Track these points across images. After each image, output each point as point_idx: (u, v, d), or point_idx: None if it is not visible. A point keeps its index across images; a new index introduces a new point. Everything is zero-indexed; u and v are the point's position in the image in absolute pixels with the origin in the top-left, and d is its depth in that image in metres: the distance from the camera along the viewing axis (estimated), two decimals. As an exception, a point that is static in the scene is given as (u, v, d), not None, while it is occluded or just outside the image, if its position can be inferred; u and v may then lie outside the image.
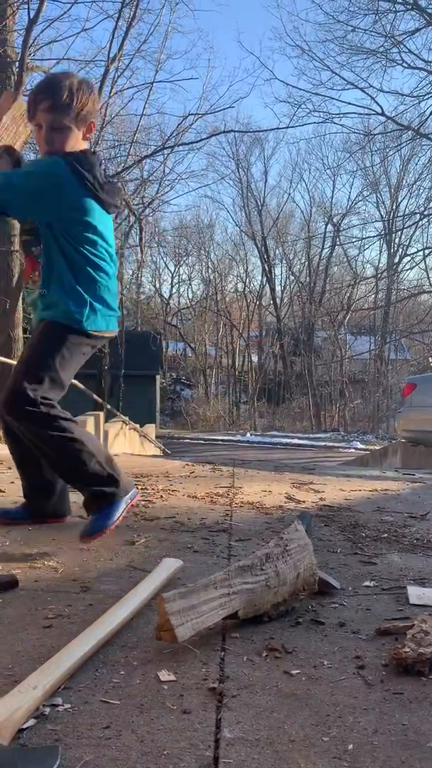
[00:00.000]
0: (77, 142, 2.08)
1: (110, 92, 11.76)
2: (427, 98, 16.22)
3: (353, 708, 1.14)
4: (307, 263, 36.99)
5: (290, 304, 38.42)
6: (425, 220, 24.39)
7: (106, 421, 10.11)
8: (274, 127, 25.28)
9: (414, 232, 29.95)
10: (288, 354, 36.55)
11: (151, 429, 16.24)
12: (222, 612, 1.38)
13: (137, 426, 12.80)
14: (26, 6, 9.48)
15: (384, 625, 1.49)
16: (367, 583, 1.85)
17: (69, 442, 2.03)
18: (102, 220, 2.08)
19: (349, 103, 24.54)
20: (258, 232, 36.01)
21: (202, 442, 22.83)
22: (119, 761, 0.95)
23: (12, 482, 3.05)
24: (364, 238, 27.30)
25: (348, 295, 33.89)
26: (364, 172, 30.56)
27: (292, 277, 38.27)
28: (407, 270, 33.34)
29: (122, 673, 1.23)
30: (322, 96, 17.76)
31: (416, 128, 17.23)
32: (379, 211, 33.81)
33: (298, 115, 17.75)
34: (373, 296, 35.28)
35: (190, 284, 41.75)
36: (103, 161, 2.15)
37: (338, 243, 33.28)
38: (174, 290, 40.97)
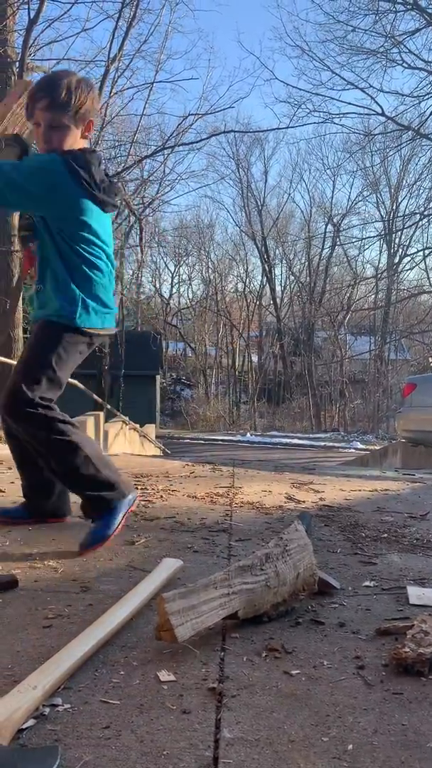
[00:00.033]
0: (76, 141, 2.08)
1: (110, 92, 11.76)
2: (428, 98, 16.23)
3: (353, 708, 1.14)
4: (307, 263, 36.99)
5: (290, 304, 38.42)
6: (425, 220, 24.38)
7: (106, 421, 10.11)
8: (274, 128, 25.32)
9: (414, 232, 29.97)
10: (288, 354, 36.55)
11: (151, 429, 16.24)
12: (222, 612, 1.38)
13: (137, 426, 12.80)
14: (26, 6, 9.49)
15: (384, 626, 1.49)
16: (367, 583, 1.85)
17: (66, 446, 2.03)
18: (99, 219, 2.08)
19: (349, 104, 24.55)
20: (258, 232, 36.01)
21: (202, 442, 22.83)
22: (119, 761, 0.95)
23: (12, 482, 3.05)
24: (364, 239, 27.35)
25: (348, 295, 33.89)
26: (364, 173, 30.58)
27: (292, 277, 38.28)
28: (407, 270, 33.36)
29: (122, 673, 1.23)
30: (322, 96, 17.76)
31: (416, 128, 17.23)
32: (379, 211, 33.83)
33: (298, 115, 17.75)
34: (373, 296, 35.30)
35: (190, 284, 41.78)
36: (103, 160, 2.14)
37: (338, 243, 33.29)
38: (174, 290, 41.00)
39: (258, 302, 37.94)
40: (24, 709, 1.03)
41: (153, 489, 3.22)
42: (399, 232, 29.50)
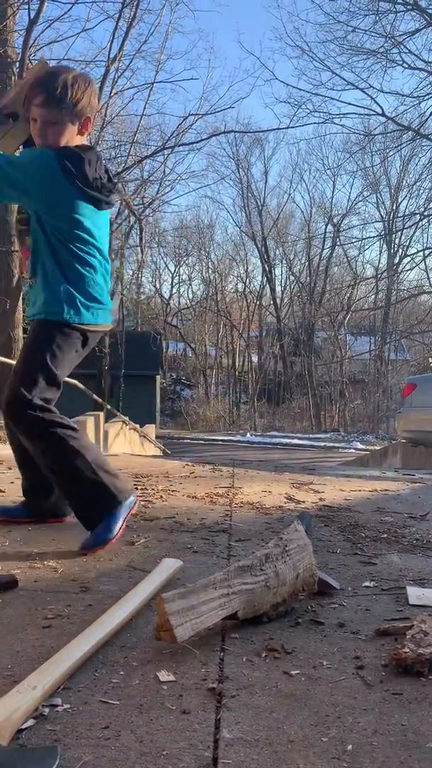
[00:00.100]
0: (72, 137, 2.06)
1: (110, 92, 11.77)
2: (428, 99, 16.24)
3: (352, 708, 1.14)
4: (307, 263, 37.01)
5: (290, 304, 38.43)
6: (425, 220, 24.39)
7: (106, 421, 10.11)
8: (275, 128, 25.30)
9: (414, 232, 29.98)
10: (288, 354, 36.55)
11: (151, 429, 16.24)
12: (221, 612, 1.38)
13: (137, 426, 12.79)
14: (26, 6, 9.49)
15: (383, 626, 1.49)
16: (366, 584, 1.85)
17: (64, 449, 2.03)
18: (92, 217, 2.07)
19: (350, 104, 24.64)
20: (258, 232, 36.03)
21: (202, 442, 22.83)
22: (118, 761, 0.95)
23: (12, 482, 3.05)
24: (364, 239, 27.36)
25: (348, 295, 33.90)
26: (364, 173, 30.61)
27: (292, 278, 38.30)
28: (407, 270, 33.35)
29: (121, 673, 1.23)
30: (323, 96, 17.79)
31: (416, 129, 17.24)
32: (379, 211, 33.85)
33: (298, 115, 17.78)
34: (373, 297, 35.31)
35: (190, 284, 41.80)
36: (101, 157, 2.12)
37: (338, 243, 33.30)
38: (174, 290, 41.01)
39: (258, 302, 37.95)
40: (23, 710, 1.03)
41: (153, 489, 3.22)
42: (399, 233, 29.54)
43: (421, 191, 30.05)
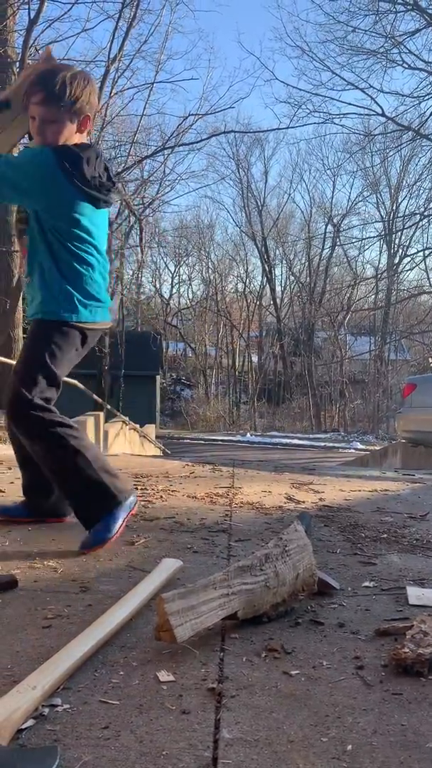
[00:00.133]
0: (71, 135, 2.06)
1: (110, 93, 11.77)
2: (428, 99, 16.25)
3: (352, 708, 1.14)
4: (307, 264, 37.02)
5: (290, 304, 38.44)
6: (425, 220, 24.40)
7: (106, 421, 10.11)
8: (275, 128, 25.32)
9: (414, 232, 30.01)
10: (288, 354, 36.56)
11: (151, 429, 16.24)
12: (221, 612, 1.38)
13: (137, 426, 12.80)
14: (27, 6, 9.51)
15: (383, 626, 1.49)
16: (366, 584, 1.85)
17: (64, 450, 2.03)
18: (90, 215, 2.07)
19: (350, 104, 24.66)
20: (258, 232, 36.04)
21: (202, 442, 22.83)
22: (118, 761, 0.95)
23: (12, 482, 3.05)
24: (364, 239, 27.34)
25: (348, 295, 33.92)
26: (364, 173, 30.64)
27: (292, 278, 38.32)
28: (407, 270, 33.38)
29: (121, 673, 1.23)
30: (323, 96, 17.82)
31: (416, 129, 17.25)
32: (379, 211, 33.87)
33: (298, 115, 17.80)
34: (373, 297, 35.33)
35: (190, 284, 41.82)
36: (101, 154, 2.12)
37: (338, 243, 33.32)
38: (174, 290, 41.03)
39: (258, 302, 37.96)
40: (23, 710, 1.03)
41: (153, 489, 3.22)
42: (399, 233, 29.55)
43: (421, 191, 30.10)
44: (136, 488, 3.21)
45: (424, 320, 26.18)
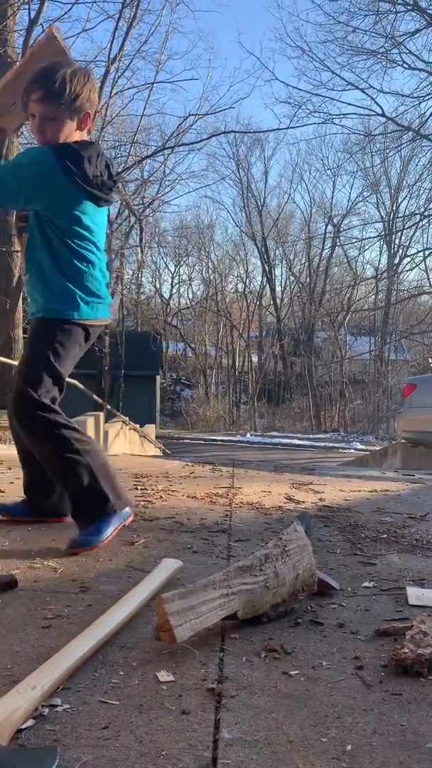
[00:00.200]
0: (71, 133, 2.05)
1: (111, 93, 11.78)
2: (428, 99, 16.26)
3: (352, 709, 1.14)
4: (307, 264, 37.03)
5: (290, 304, 38.45)
6: (425, 221, 24.40)
7: (106, 421, 10.11)
8: (275, 128, 25.31)
9: (414, 232, 30.02)
10: (288, 354, 36.56)
11: (151, 429, 16.24)
12: (221, 612, 1.38)
13: (137, 426, 12.80)
14: (27, 6, 9.51)
15: (383, 626, 1.49)
16: (366, 584, 1.85)
17: (69, 451, 2.03)
18: (91, 213, 2.07)
19: (350, 104, 24.68)
20: (258, 232, 36.05)
21: (202, 442, 22.83)
22: (118, 762, 0.95)
23: (12, 482, 3.05)
24: (364, 239, 27.38)
25: (348, 295, 33.93)
26: (364, 173, 30.67)
27: (292, 278, 38.33)
28: (407, 271, 33.41)
29: (121, 673, 1.23)
30: (323, 97, 17.85)
31: (416, 129, 17.25)
32: (379, 211, 33.88)
33: (298, 115, 17.82)
34: (373, 297, 35.34)
35: (190, 284, 41.82)
36: (102, 152, 2.11)
37: (338, 244, 33.34)
38: (174, 290, 41.03)
39: (258, 303, 37.96)
40: (23, 710, 1.03)
41: (153, 489, 3.22)
42: (399, 233, 29.56)
43: (421, 191, 30.13)
44: (136, 488, 3.21)
45: (424, 320, 26.17)
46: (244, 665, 1.29)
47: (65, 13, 10.22)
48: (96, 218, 2.10)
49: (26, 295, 2.23)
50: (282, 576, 1.53)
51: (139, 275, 28.46)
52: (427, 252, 27.17)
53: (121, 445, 10.67)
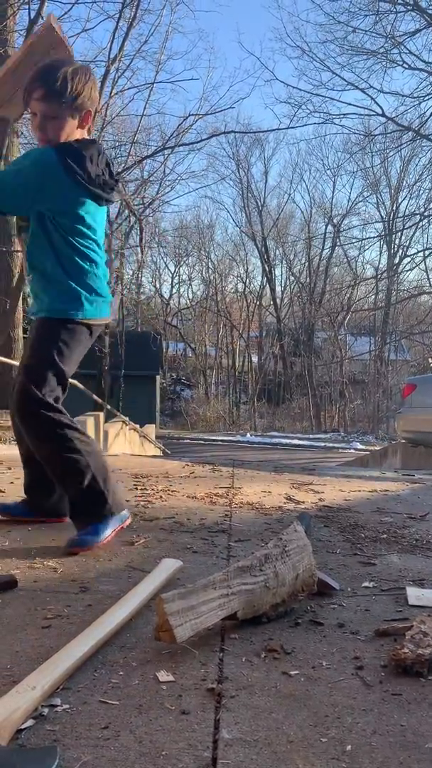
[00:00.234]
0: (72, 131, 2.05)
1: (111, 93, 11.78)
2: (428, 99, 16.27)
3: (352, 709, 1.14)
4: (307, 264, 37.04)
5: (290, 304, 38.45)
6: (425, 221, 24.41)
7: (106, 421, 10.11)
8: (275, 128, 25.30)
9: (414, 233, 30.04)
10: (288, 354, 36.56)
11: (151, 429, 16.24)
12: (221, 613, 1.38)
13: (137, 426, 12.80)
14: (26, 6, 9.50)
15: (383, 626, 1.49)
16: (366, 584, 1.85)
17: (70, 451, 2.03)
18: (93, 212, 2.08)
19: (350, 104, 24.69)
20: (258, 232, 36.06)
21: (202, 442, 22.84)
22: (117, 762, 0.95)
23: (12, 482, 3.05)
24: (365, 239, 27.39)
25: (348, 295, 33.94)
26: (364, 173, 30.70)
27: (292, 278, 38.33)
28: (407, 271, 33.39)
29: (121, 673, 1.23)
30: (323, 97, 17.86)
31: (416, 129, 17.25)
32: (380, 211, 33.89)
33: (298, 115, 17.82)
34: (373, 297, 35.35)
35: (190, 284, 41.83)
36: (102, 150, 2.11)
37: (338, 244, 33.35)
38: (174, 290, 41.04)
39: (258, 303, 37.97)
40: (23, 710, 1.03)
41: (153, 489, 3.22)
42: (399, 233, 29.56)
43: (421, 191, 30.14)
44: (136, 488, 3.21)
45: (424, 320, 26.19)
46: (244, 665, 1.29)
47: (65, 13, 10.22)
48: (97, 217, 2.11)
49: (29, 294, 2.22)
50: (282, 576, 1.53)
51: (139, 275, 28.48)
52: (427, 252, 27.20)
53: (121, 445, 10.67)
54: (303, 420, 33.50)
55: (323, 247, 35.64)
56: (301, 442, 23.59)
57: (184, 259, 40.04)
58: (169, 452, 14.74)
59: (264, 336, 38.55)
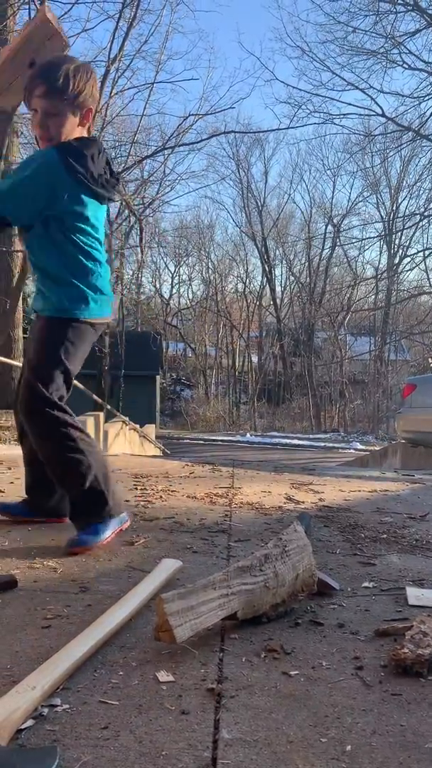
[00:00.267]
0: (73, 129, 2.05)
1: (111, 93, 11.77)
2: (428, 99, 16.27)
3: (352, 709, 1.14)
4: (307, 264, 37.04)
5: (290, 304, 38.46)
6: (425, 221, 24.41)
7: (106, 421, 10.11)
8: (275, 128, 25.31)
9: (414, 233, 30.04)
10: (288, 354, 36.57)
11: (151, 429, 16.24)
12: (221, 613, 1.38)
13: (137, 426, 12.80)
14: (27, 6, 9.50)
15: (383, 626, 1.49)
16: (366, 584, 1.85)
17: (73, 453, 2.03)
18: (95, 210, 2.08)
19: (350, 104, 24.68)
20: (258, 232, 36.06)
21: (202, 442, 22.84)
22: (117, 762, 0.95)
23: (11, 482, 3.05)
24: (365, 239, 27.41)
25: (348, 295, 33.95)
26: (364, 173, 30.72)
27: (292, 278, 38.34)
28: (407, 271, 33.40)
29: (121, 673, 1.23)
30: (323, 97, 17.87)
31: (416, 129, 17.26)
32: (380, 211, 33.89)
33: (298, 115, 17.84)
34: (373, 297, 35.36)
35: (190, 284, 41.84)
36: (103, 149, 2.11)
37: (338, 244, 33.36)
38: (174, 290, 41.05)
39: (258, 303, 37.97)
40: (23, 710, 1.03)
41: (152, 489, 3.22)
42: (399, 233, 29.57)
43: (421, 192, 30.15)
44: (136, 488, 3.21)
45: (424, 320, 26.21)
46: (243, 665, 1.29)
47: (65, 13, 10.20)
48: (98, 215, 2.13)
49: (29, 294, 2.23)
50: (282, 576, 1.53)
51: (139, 275, 28.47)
52: (427, 252, 27.21)
53: (121, 445, 10.67)
54: (303, 420, 33.50)
55: (323, 247, 35.68)
56: (301, 442, 23.58)
57: (184, 259, 40.09)
58: (169, 452, 14.74)
59: (264, 336, 38.56)
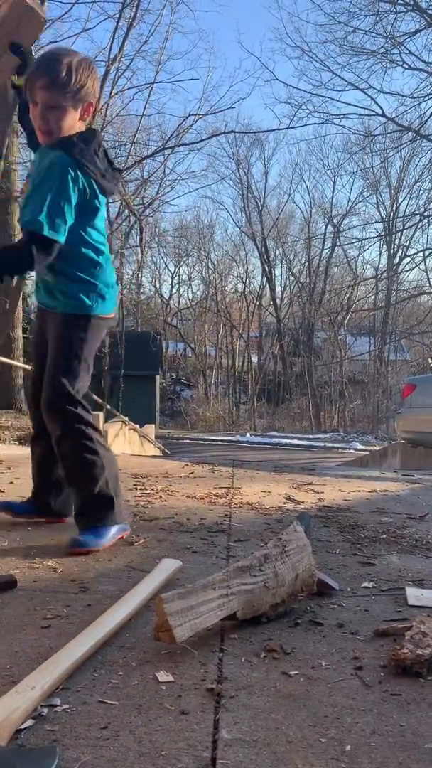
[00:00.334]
0: (74, 123, 2.04)
1: (111, 92, 11.78)
2: (428, 99, 16.29)
3: (351, 709, 1.14)
4: (307, 264, 37.03)
5: (290, 304, 38.45)
6: (425, 221, 24.42)
7: (105, 421, 10.12)
8: (275, 128, 25.34)
9: (414, 233, 30.06)
10: (288, 354, 36.57)
11: (150, 429, 16.25)
12: (220, 613, 1.38)
13: (137, 426, 12.81)
14: (27, 6, 9.47)
15: (382, 626, 1.49)
16: (365, 584, 1.85)
17: (90, 454, 2.05)
18: (102, 202, 2.10)
19: (350, 104, 24.70)
20: (258, 232, 36.06)
21: (202, 442, 22.82)
22: (117, 762, 0.95)
23: (11, 482, 3.05)
24: (364, 239, 27.46)
25: (348, 295, 33.96)
26: (364, 173, 30.73)
27: (292, 278, 38.33)
28: (407, 271, 33.38)
29: (120, 673, 1.23)
30: (323, 97, 17.91)
31: (416, 129, 17.26)
32: (379, 212, 33.89)
33: (298, 115, 17.88)
34: (372, 297, 35.35)
35: (190, 284, 41.83)
36: (101, 141, 2.12)
37: (338, 244, 33.36)
38: (174, 290, 41.03)
39: (258, 303, 37.96)
40: (22, 710, 1.03)
41: (152, 489, 3.22)
42: (399, 233, 29.57)
43: (421, 192, 30.16)
44: (136, 488, 3.22)
45: (424, 320, 26.22)
46: (243, 665, 1.29)
47: (65, 13, 10.26)
48: (102, 208, 2.13)
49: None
50: (281, 576, 1.53)
51: (139, 275, 28.49)
52: (427, 252, 27.23)
53: (121, 445, 10.67)
54: (303, 420, 33.50)
55: (323, 247, 35.68)
56: (300, 442, 23.57)
57: (184, 259, 40.07)
58: (168, 452, 14.74)
59: (264, 336, 38.55)
